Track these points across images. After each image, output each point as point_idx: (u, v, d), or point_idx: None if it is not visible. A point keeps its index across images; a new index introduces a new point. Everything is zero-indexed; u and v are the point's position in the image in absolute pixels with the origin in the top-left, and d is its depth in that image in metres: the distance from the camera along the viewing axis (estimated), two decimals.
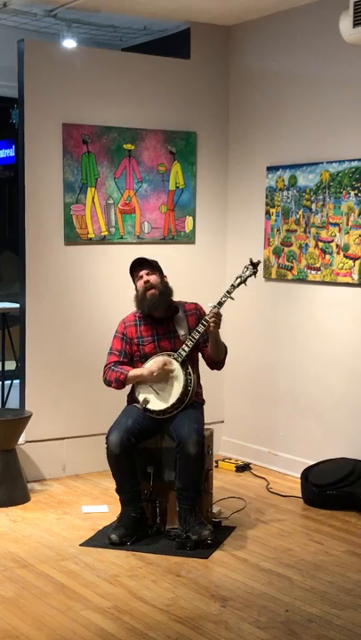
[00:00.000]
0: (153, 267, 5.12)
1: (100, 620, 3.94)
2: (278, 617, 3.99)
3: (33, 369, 6.04)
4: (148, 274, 5.07)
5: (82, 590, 4.27)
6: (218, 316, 4.90)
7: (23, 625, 3.89)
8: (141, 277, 5.08)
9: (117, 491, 4.96)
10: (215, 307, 4.91)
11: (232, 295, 4.94)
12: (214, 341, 4.99)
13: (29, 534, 5.05)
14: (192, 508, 4.83)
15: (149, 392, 4.98)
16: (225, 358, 5.14)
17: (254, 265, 5.00)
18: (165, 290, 5.07)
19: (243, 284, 4.98)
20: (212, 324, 4.89)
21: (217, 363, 5.12)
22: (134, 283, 5.14)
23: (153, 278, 5.06)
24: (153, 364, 4.97)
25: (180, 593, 4.24)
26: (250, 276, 4.99)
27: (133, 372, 5.00)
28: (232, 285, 4.97)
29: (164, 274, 5.14)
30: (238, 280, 4.98)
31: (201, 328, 4.96)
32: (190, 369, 4.99)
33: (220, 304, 4.93)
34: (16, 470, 5.64)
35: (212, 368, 5.17)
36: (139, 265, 5.13)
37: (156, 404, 4.96)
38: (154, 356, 5.01)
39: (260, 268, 5.11)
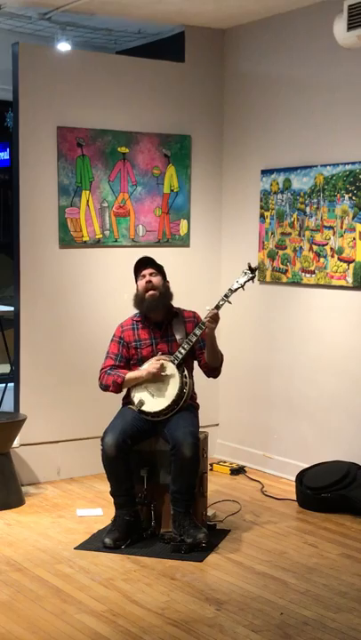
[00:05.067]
0: (158, 269, 5.11)
1: (95, 624, 3.93)
2: (273, 620, 3.99)
3: (27, 372, 6.03)
4: (151, 274, 5.06)
5: (76, 594, 4.26)
6: (215, 317, 4.91)
7: (18, 628, 3.89)
8: (144, 277, 5.06)
9: (112, 493, 4.95)
10: (213, 309, 4.91)
11: (230, 299, 4.95)
12: (210, 345, 4.98)
13: (24, 538, 5.05)
14: (187, 511, 4.83)
15: (145, 394, 4.98)
16: (221, 366, 5.13)
17: (252, 270, 5.00)
18: (166, 293, 5.07)
19: (241, 289, 4.98)
20: (208, 323, 4.88)
21: (213, 370, 5.10)
22: (136, 281, 5.12)
23: (156, 280, 5.05)
24: (150, 366, 4.97)
25: (174, 596, 4.23)
26: (248, 280, 4.99)
27: (130, 374, 5.00)
28: (230, 289, 4.96)
29: (168, 279, 5.14)
30: (236, 284, 4.98)
31: (198, 331, 4.95)
32: (186, 371, 4.99)
33: (218, 307, 4.92)
34: (10, 474, 5.63)
35: (208, 376, 5.15)
36: (144, 264, 5.11)
37: (151, 405, 4.95)
38: (151, 359, 5.01)
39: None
